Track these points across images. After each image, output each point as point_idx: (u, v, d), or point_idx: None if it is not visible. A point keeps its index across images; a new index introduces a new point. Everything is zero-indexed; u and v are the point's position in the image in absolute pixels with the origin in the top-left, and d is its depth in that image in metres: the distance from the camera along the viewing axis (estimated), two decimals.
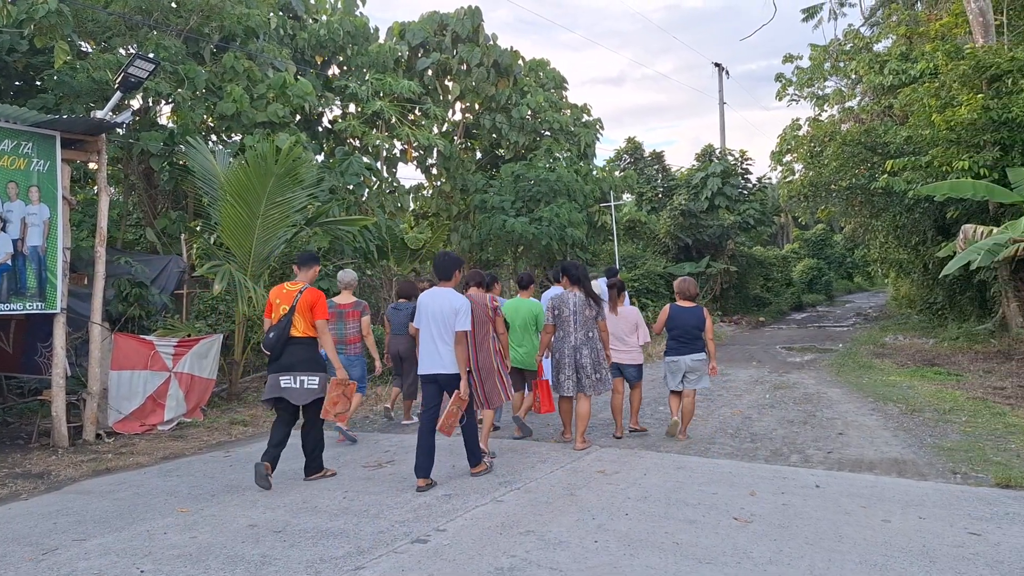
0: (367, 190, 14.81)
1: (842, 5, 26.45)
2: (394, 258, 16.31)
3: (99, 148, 8.13)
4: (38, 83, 10.98)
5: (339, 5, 16.31)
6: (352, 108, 16.05)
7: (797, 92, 22.51)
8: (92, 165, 9.59)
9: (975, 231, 12.60)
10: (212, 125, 12.92)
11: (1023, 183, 13.01)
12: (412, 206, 20.17)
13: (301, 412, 6.08)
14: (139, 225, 13.25)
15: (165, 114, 12.79)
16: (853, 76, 20.38)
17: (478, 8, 18.81)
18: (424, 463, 5.74)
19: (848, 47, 21.29)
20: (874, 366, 12.99)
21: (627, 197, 26.43)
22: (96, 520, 5.12)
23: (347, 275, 7.95)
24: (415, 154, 17.44)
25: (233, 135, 12.81)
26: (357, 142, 15.78)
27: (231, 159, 10.81)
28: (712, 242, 25.98)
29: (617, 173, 25.66)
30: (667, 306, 7.58)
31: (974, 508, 5.02)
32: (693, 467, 6.28)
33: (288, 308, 5.96)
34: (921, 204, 16.90)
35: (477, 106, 19.83)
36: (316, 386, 5.96)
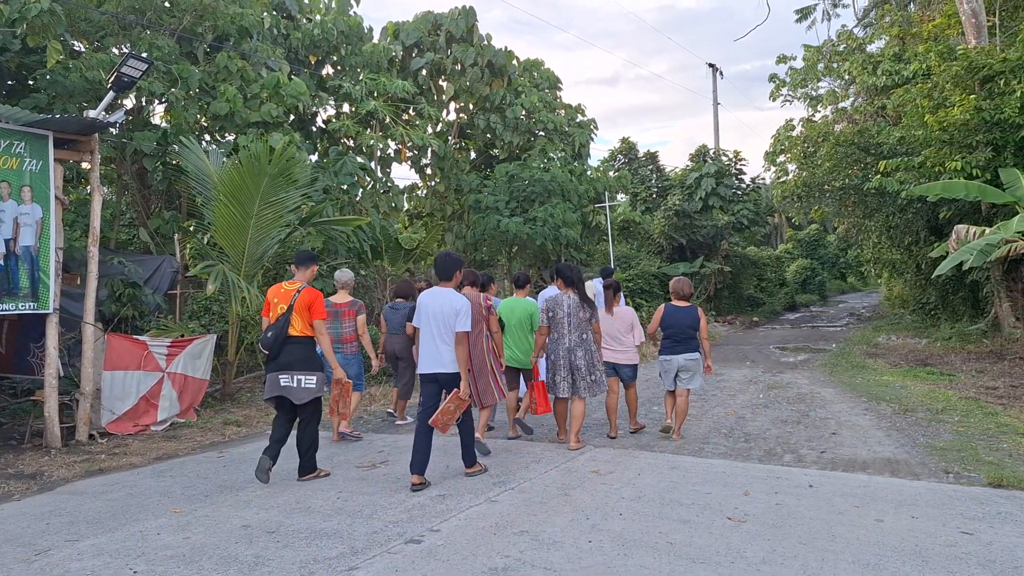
0: (361, 190, 14.80)
1: (835, 6, 26.54)
2: (388, 258, 16.30)
3: (92, 148, 8.10)
4: (31, 82, 10.94)
5: (333, 5, 16.29)
6: (346, 108, 16.05)
7: (791, 93, 22.58)
8: (85, 165, 9.56)
9: (968, 231, 12.65)
10: (205, 125, 12.89)
11: (1015, 184, 13.07)
12: (406, 206, 20.15)
13: (297, 411, 6.09)
14: (132, 225, 13.23)
15: (158, 114, 12.77)
16: (846, 77, 20.46)
17: (472, 8, 18.81)
18: (420, 460, 5.75)
19: (841, 48, 21.36)
20: (867, 366, 13.03)
21: (621, 197, 26.45)
22: (89, 521, 5.10)
23: (344, 275, 8.01)
24: (409, 154, 17.45)
25: (227, 135, 12.78)
26: (351, 142, 15.77)
27: (225, 159, 10.78)
28: (706, 242, 26.02)
29: (611, 173, 25.71)
30: (662, 306, 7.66)
31: (966, 507, 5.04)
32: (687, 467, 6.29)
33: (286, 307, 5.98)
34: (914, 204, 16.96)
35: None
36: (313, 385, 5.98)
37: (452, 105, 20.08)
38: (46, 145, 7.51)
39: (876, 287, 41.35)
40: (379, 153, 15.91)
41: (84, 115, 8.10)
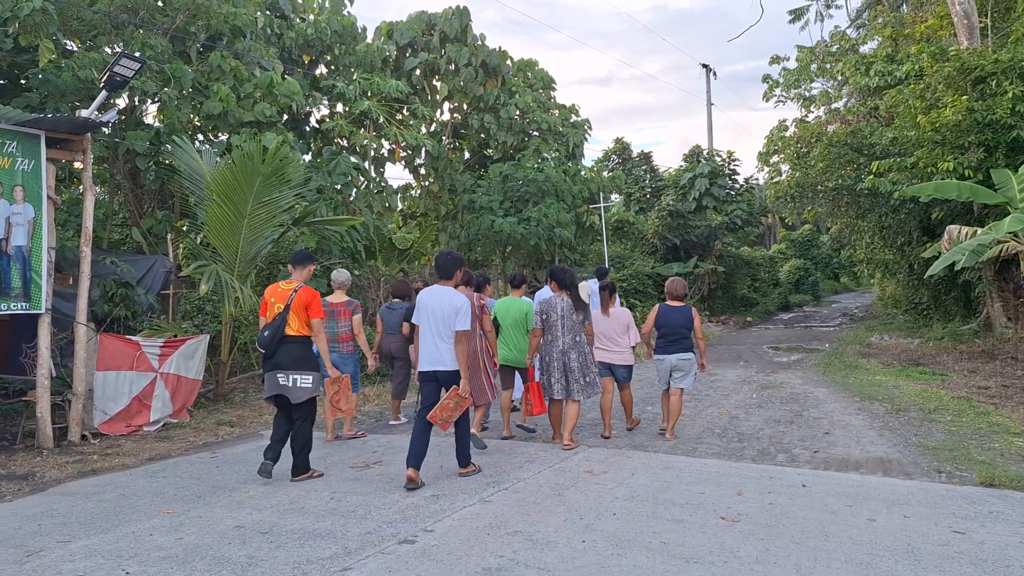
0: (355, 190, 14.77)
1: (828, 7, 26.63)
2: (382, 258, 16.29)
3: (84, 147, 8.07)
4: (23, 82, 10.89)
5: (327, 4, 16.26)
6: (340, 108, 16.00)
7: (784, 93, 22.67)
8: (77, 164, 9.52)
9: (960, 232, 12.71)
10: (199, 124, 12.85)
11: (1007, 184, 13.12)
12: (400, 206, 20.15)
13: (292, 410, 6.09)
14: (125, 225, 13.16)
15: (151, 113, 12.70)
16: (839, 77, 20.55)
17: (466, 8, 18.81)
18: (416, 454, 5.76)
19: (834, 49, 21.45)
20: (860, 366, 13.07)
21: (615, 197, 26.49)
22: (81, 522, 5.08)
23: (341, 275, 8.03)
24: (403, 154, 17.42)
25: (220, 134, 12.73)
26: (345, 142, 15.74)
27: (218, 159, 10.76)
28: (700, 242, 26.08)
29: (605, 173, 25.75)
30: (656, 306, 7.70)
31: (958, 507, 5.07)
32: (681, 467, 6.30)
33: (283, 307, 5.98)
34: (906, 205, 17.03)
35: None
36: (309, 385, 5.99)
37: (446, 105, 20.07)
38: (38, 145, 7.47)
39: (869, 287, 41.52)
40: (373, 153, 15.88)
41: (76, 114, 8.08)
